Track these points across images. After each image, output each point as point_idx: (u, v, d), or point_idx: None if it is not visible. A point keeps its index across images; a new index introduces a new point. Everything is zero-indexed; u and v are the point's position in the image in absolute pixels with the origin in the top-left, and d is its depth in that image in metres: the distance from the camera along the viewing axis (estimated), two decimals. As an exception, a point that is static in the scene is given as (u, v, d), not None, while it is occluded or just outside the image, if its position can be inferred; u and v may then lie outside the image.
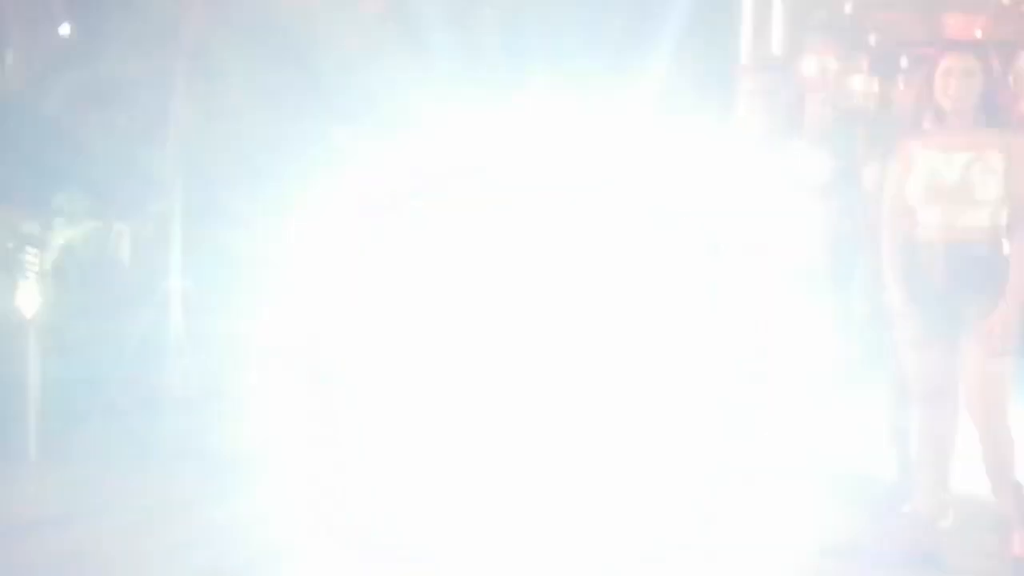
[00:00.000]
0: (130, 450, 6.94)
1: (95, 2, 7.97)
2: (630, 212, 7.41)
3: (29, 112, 7.58)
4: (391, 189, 6.18)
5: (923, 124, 5.26)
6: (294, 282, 6.46)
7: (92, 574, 5.17)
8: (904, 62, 8.38)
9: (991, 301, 5.18)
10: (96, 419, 6.88)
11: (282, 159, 7.34)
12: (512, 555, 5.16)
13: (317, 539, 5.45)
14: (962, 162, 5.17)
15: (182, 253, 6.98)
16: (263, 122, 7.32)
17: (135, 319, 6.94)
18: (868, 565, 5.54)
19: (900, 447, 6.33)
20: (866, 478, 6.79)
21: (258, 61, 7.36)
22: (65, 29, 8.37)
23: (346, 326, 6.18)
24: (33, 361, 6.71)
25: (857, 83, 8.71)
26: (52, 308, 6.95)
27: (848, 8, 7.70)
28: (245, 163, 7.37)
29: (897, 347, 5.60)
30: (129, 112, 7.25)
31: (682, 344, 6.16)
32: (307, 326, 6.70)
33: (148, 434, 7.03)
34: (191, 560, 5.27)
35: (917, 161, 5.24)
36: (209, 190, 7.20)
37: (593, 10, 7.94)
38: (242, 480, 6.50)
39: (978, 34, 7.49)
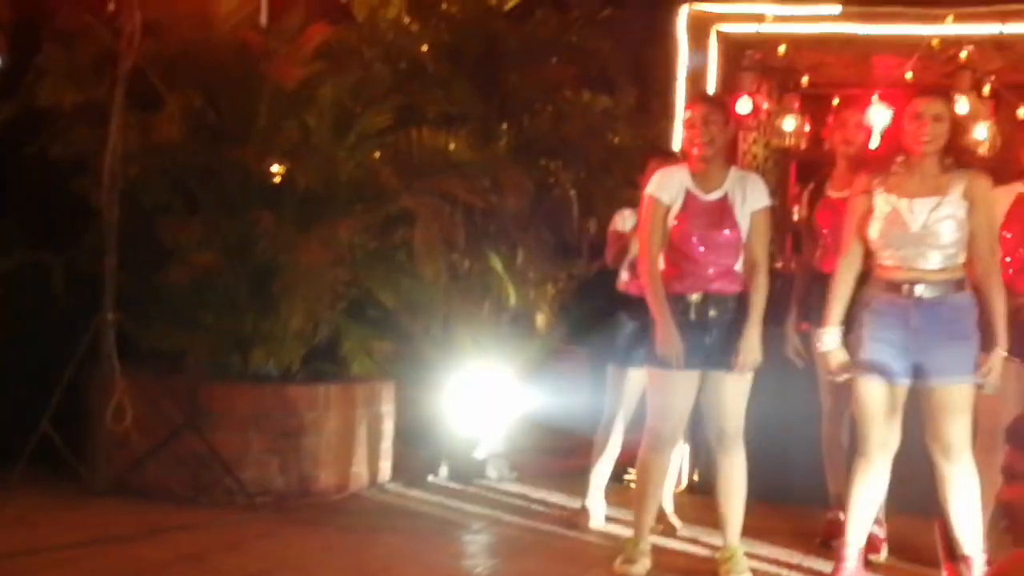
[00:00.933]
0: (65, 485, 6.88)
1: (28, 32, 7.88)
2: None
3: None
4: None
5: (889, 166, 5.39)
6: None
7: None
8: (835, 103, 8.48)
9: (951, 340, 5.31)
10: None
11: (217, 191, 7.33)
12: None
13: None
14: (926, 205, 5.29)
15: (116, 285, 6.93)
16: (198, 153, 7.29)
17: (69, 351, 6.87)
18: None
19: (835, 482, 6.41)
20: (801, 512, 6.89)
21: (194, 92, 7.33)
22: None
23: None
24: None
25: (788, 123, 8.87)
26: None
27: (781, 50, 7.79)
28: (180, 195, 7.35)
29: (852, 387, 5.70)
30: (64, 143, 7.18)
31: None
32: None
33: (86, 469, 6.97)
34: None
35: (881, 202, 5.36)
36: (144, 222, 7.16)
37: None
38: (180, 518, 6.45)
39: (908, 77, 7.62)
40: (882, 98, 7.58)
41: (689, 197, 5.69)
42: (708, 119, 5.66)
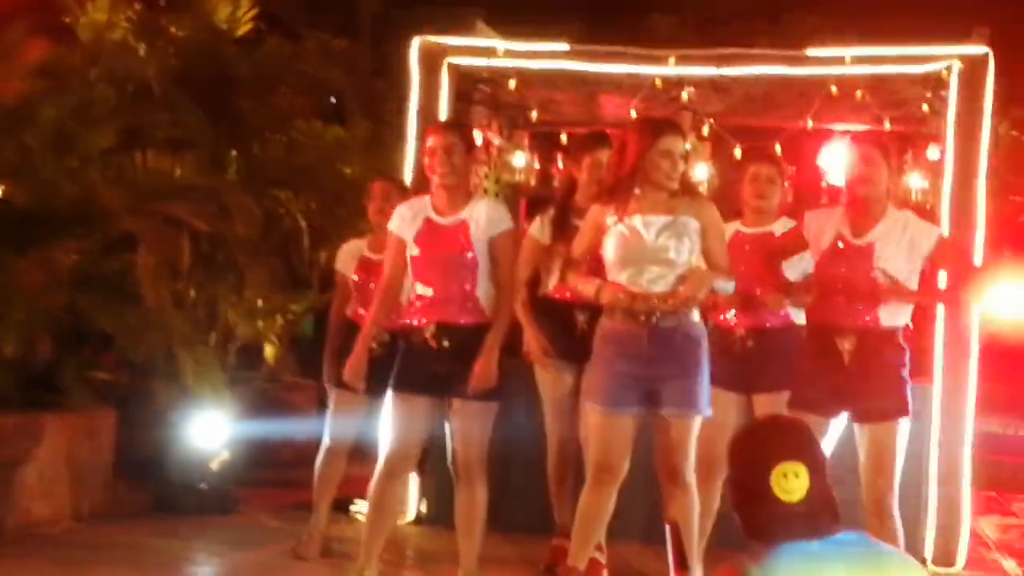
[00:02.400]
0: None
1: None
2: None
3: None
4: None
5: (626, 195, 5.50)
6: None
7: None
8: (563, 140, 8.66)
9: (684, 372, 5.43)
10: None
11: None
12: None
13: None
14: (658, 222, 5.41)
15: None
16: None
17: None
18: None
19: (560, 510, 6.52)
20: (526, 540, 6.94)
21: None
22: None
23: None
24: None
25: (518, 159, 8.99)
26: None
27: (511, 84, 7.89)
28: None
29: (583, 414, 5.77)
30: None
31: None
32: None
33: None
34: None
35: (617, 228, 5.45)
36: None
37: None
38: None
39: (633, 114, 7.81)
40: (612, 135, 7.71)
41: (427, 222, 5.69)
42: (450, 148, 5.67)
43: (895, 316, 5.54)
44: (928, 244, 5.60)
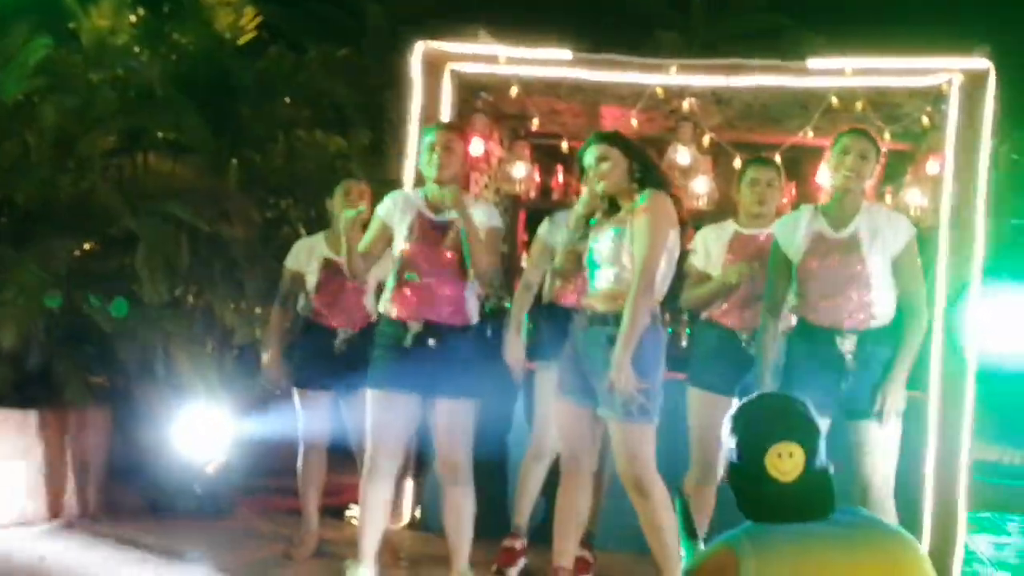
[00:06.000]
0: None
1: None
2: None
3: None
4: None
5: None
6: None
7: None
8: (564, 150, 8.65)
9: (606, 364, 5.27)
10: None
11: None
12: None
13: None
14: (609, 235, 5.41)
15: None
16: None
17: None
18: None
19: (520, 511, 6.48)
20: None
21: None
22: None
23: None
24: None
25: (519, 169, 8.97)
26: None
27: (513, 91, 7.88)
28: None
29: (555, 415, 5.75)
30: None
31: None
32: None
33: None
34: None
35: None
36: None
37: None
38: None
39: (633, 124, 7.81)
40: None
41: (419, 217, 5.69)
42: (448, 145, 5.69)
43: (889, 311, 5.47)
44: (899, 242, 5.46)
